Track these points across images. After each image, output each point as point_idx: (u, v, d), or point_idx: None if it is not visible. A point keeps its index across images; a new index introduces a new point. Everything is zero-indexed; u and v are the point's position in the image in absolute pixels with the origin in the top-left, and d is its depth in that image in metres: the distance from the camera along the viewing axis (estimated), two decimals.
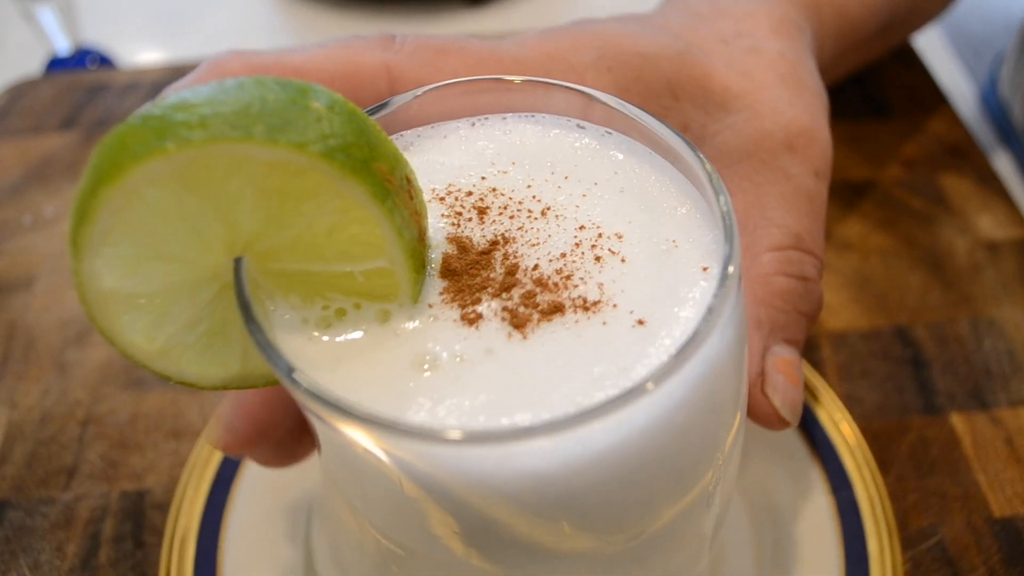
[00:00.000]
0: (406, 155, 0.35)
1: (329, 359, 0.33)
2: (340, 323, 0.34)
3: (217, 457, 0.56)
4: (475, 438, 0.29)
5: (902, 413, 0.62)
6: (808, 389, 0.60)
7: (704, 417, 0.34)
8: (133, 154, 0.28)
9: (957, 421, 0.62)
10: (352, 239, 0.32)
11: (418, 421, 0.30)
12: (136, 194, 0.29)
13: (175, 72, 0.91)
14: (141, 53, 1.07)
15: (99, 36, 1.08)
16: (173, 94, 0.30)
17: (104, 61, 1.02)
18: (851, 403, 0.62)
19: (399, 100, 0.39)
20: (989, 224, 0.76)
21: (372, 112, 0.38)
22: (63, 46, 1.03)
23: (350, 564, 0.48)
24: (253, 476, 0.55)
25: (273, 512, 0.54)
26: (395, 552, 0.38)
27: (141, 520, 0.56)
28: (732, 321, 0.33)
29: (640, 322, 0.33)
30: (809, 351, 0.66)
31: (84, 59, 1.02)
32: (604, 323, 0.33)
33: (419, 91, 0.39)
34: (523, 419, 0.30)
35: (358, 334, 0.34)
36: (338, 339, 0.33)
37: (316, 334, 0.34)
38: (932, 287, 0.71)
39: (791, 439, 0.57)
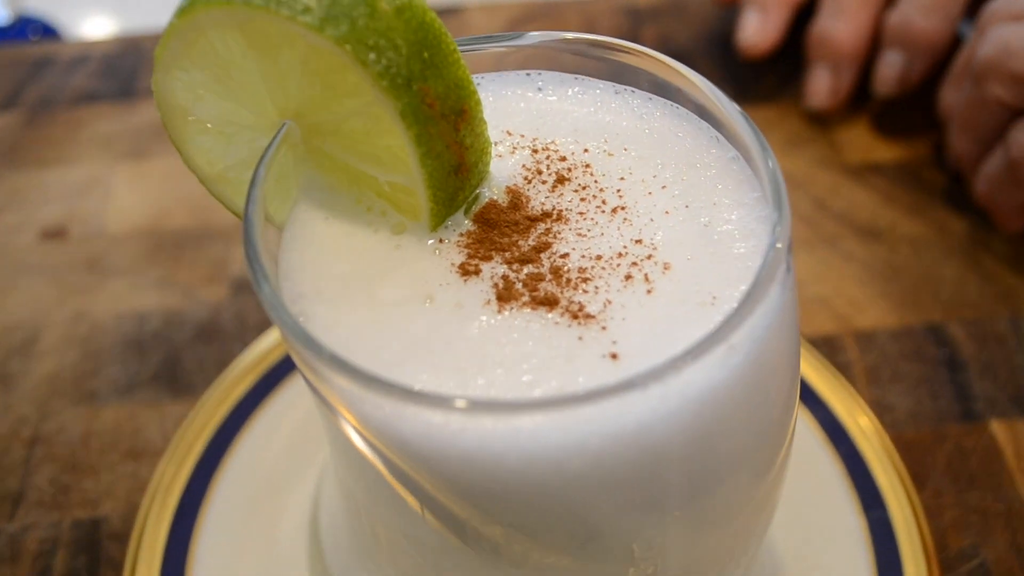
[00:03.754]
0: (536, 96, 0.40)
1: (326, 244, 0.37)
2: (361, 217, 0.38)
3: (182, 480, 0.56)
4: (344, 369, 0.31)
5: (937, 421, 0.62)
6: (834, 395, 0.60)
7: (612, 485, 0.33)
8: None
9: (998, 429, 0.62)
10: (385, 148, 0.35)
11: (333, 329, 0.33)
12: (203, 32, 0.35)
13: (129, 44, 0.90)
14: (88, 22, 1.05)
15: (41, 3, 1.06)
16: None
17: (48, 31, 1.00)
18: (881, 410, 0.62)
19: (540, 37, 0.40)
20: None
21: (507, 38, 0.40)
22: (1, 15, 1.01)
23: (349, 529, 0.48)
24: (223, 501, 0.55)
25: (245, 543, 0.53)
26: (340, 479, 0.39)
27: (96, 552, 0.55)
28: (698, 395, 0.32)
29: (612, 356, 0.33)
30: (834, 353, 0.65)
31: (25, 30, 1.00)
32: (580, 338, 0.33)
33: (569, 35, 0.40)
34: (423, 382, 0.32)
35: (369, 233, 0.37)
36: (350, 229, 0.37)
37: (335, 217, 0.37)
38: (968, 280, 0.70)
39: (816, 451, 0.57)
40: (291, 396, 0.59)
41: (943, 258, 0.72)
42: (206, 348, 0.65)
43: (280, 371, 0.60)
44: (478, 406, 0.29)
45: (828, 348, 0.66)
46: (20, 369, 0.65)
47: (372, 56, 0.33)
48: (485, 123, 0.37)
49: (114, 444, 0.61)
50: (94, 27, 0.99)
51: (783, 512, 0.52)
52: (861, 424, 0.58)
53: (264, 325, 0.66)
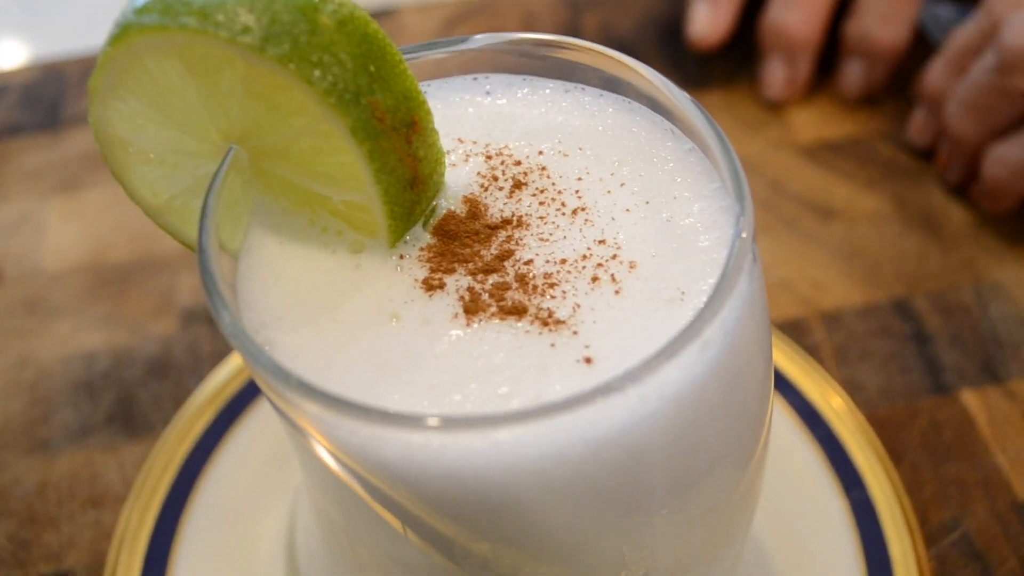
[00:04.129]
0: (484, 100, 0.39)
1: (284, 268, 0.37)
2: (317, 239, 0.37)
3: (148, 524, 0.55)
4: (313, 395, 0.31)
5: (909, 396, 0.63)
6: (806, 378, 0.61)
7: (600, 487, 0.33)
8: (136, 22, 0.33)
9: (970, 399, 0.63)
10: (337, 165, 0.35)
11: (300, 357, 0.33)
12: (139, 60, 0.34)
13: (49, 71, 0.88)
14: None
15: None
16: None
17: None
18: (853, 390, 0.63)
19: (486, 40, 0.40)
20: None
21: (453, 43, 0.40)
22: None
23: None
24: (193, 541, 0.54)
25: None
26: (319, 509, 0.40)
27: None
28: (662, 396, 0.32)
29: (587, 360, 0.33)
30: (801, 335, 0.66)
31: None
32: (552, 345, 0.34)
33: (515, 36, 0.40)
34: (396, 402, 0.32)
35: (326, 255, 0.37)
36: (305, 252, 0.37)
37: (290, 240, 0.37)
38: (929, 251, 0.72)
39: (792, 436, 0.58)
40: (255, 425, 0.59)
41: (902, 232, 0.73)
42: (160, 384, 0.64)
43: (241, 401, 0.60)
44: (457, 422, 0.29)
45: (795, 331, 0.67)
46: None
47: (317, 73, 0.33)
48: (437, 133, 0.37)
49: (72, 493, 0.60)
50: (7, 55, 0.96)
51: (764, 501, 0.53)
52: (834, 405, 0.59)
53: (219, 356, 0.65)
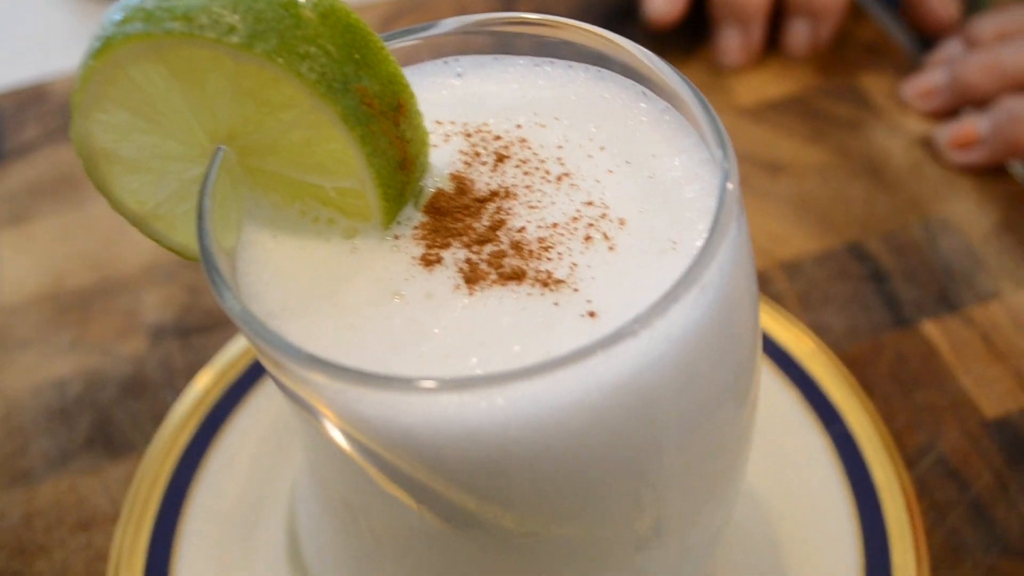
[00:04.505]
0: (456, 82, 0.40)
1: (282, 260, 0.38)
2: (309, 229, 0.39)
3: (143, 540, 0.56)
4: (335, 373, 0.32)
5: (873, 333, 0.67)
6: (776, 325, 0.64)
7: (617, 431, 0.35)
8: (120, 32, 0.34)
9: (930, 329, 0.67)
10: (328, 154, 0.37)
11: (311, 342, 0.34)
12: (123, 69, 0.35)
13: None
14: None
15: None
16: None
17: None
18: (820, 332, 0.66)
19: (454, 23, 0.42)
20: (918, 119, 0.81)
21: (424, 29, 0.42)
22: None
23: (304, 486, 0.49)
24: (191, 557, 0.55)
25: None
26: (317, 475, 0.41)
27: None
28: (669, 337, 0.34)
29: (591, 314, 0.35)
30: (765, 285, 0.69)
31: None
32: (556, 304, 0.36)
33: (483, 16, 0.42)
34: (421, 368, 0.34)
35: (321, 243, 0.38)
36: (300, 243, 0.38)
37: (284, 233, 0.39)
38: (876, 195, 0.75)
39: (769, 382, 0.61)
40: (241, 429, 0.60)
41: (849, 180, 0.77)
42: (136, 403, 0.65)
43: (223, 409, 0.61)
44: (477, 381, 0.31)
45: (759, 282, 0.69)
46: None
47: (305, 65, 0.34)
48: (421, 115, 0.38)
49: (60, 519, 0.60)
50: None
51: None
52: (805, 348, 0.62)
53: (193, 368, 0.66)
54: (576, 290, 0.36)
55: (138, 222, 0.41)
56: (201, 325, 0.69)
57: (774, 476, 0.56)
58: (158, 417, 0.64)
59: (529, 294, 0.36)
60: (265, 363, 0.37)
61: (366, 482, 0.38)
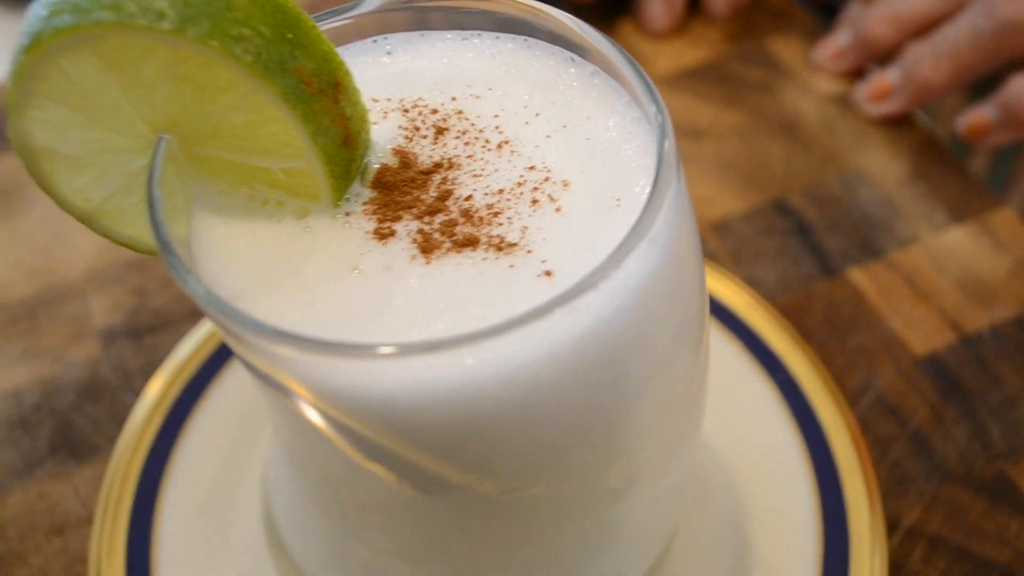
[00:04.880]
0: (386, 60, 0.40)
1: (235, 244, 0.37)
2: (259, 212, 0.38)
3: (121, 538, 0.54)
4: (305, 345, 0.31)
5: (804, 283, 0.68)
6: (713, 281, 0.64)
7: (584, 383, 0.35)
8: (49, 26, 0.33)
9: (857, 276, 0.68)
10: (271, 136, 0.35)
11: (276, 321, 0.33)
12: (54, 64, 0.34)
13: None
14: None
15: None
16: None
17: None
18: (755, 286, 0.67)
19: (379, 1, 0.41)
20: (827, 79, 0.82)
21: (350, 8, 0.41)
22: None
23: (276, 464, 0.49)
24: (171, 549, 0.54)
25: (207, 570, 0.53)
26: (286, 447, 0.41)
27: None
28: (627, 288, 0.34)
29: (547, 273, 0.35)
30: None
31: None
32: (511, 266, 0.35)
33: None
34: (387, 338, 0.33)
35: (273, 224, 0.37)
36: (251, 226, 0.37)
37: (234, 218, 0.38)
38: (794, 153, 0.76)
39: (712, 334, 0.61)
40: (206, 421, 0.58)
41: (767, 140, 0.78)
42: (95, 406, 0.63)
43: (185, 403, 0.59)
44: (450, 342, 0.30)
45: None
46: None
47: (240, 47, 0.33)
48: (359, 92, 0.37)
49: (32, 526, 0.58)
50: None
51: None
52: (743, 301, 0.63)
53: (149, 368, 0.64)
54: (530, 252, 0.35)
55: (86, 219, 0.40)
56: (151, 325, 0.67)
57: (726, 424, 0.57)
58: (119, 418, 0.62)
59: (484, 259, 0.35)
60: (233, 345, 0.36)
61: (341, 456, 0.37)
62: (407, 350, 0.31)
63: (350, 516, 0.42)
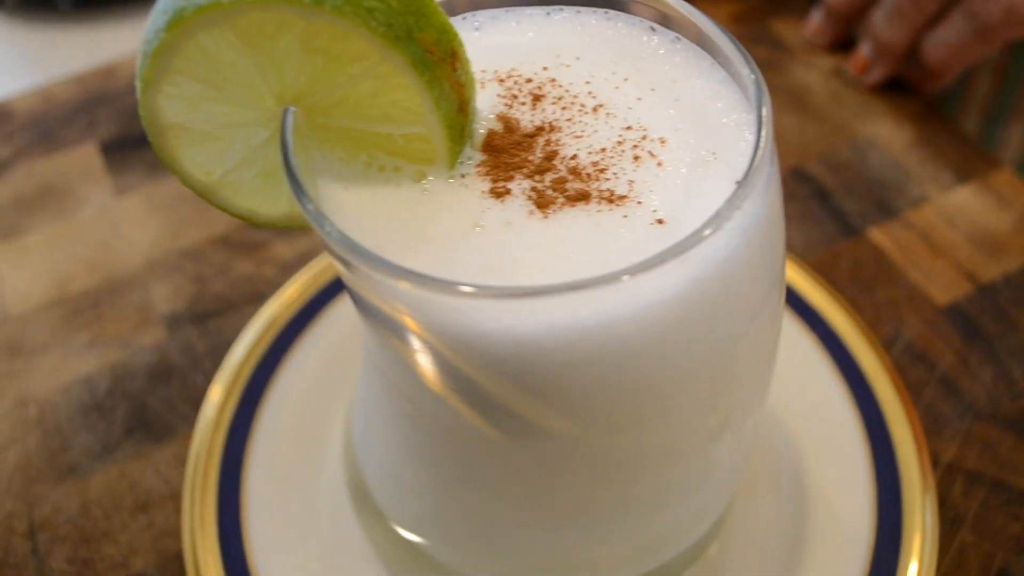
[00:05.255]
0: (476, 35, 0.40)
1: (360, 207, 0.37)
2: (378, 177, 0.38)
3: (211, 509, 0.54)
4: (463, 292, 0.32)
5: (829, 243, 0.69)
6: None
7: (704, 321, 0.36)
8: (191, 3, 0.33)
9: (876, 235, 0.70)
10: (394, 103, 0.36)
11: (419, 268, 0.33)
12: (193, 40, 0.34)
13: None
14: None
15: None
16: None
17: None
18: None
19: None
20: (827, 54, 0.84)
21: None
22: None
23: (373, 427, 0.49)
24: (259, 520, 0.54)
25: (302, 549, 0.53)
26: (405, 408, 0.42)
27: None
28: (749, 228, 0.35)
29: (659, 221, 0.36)
30: None
31: None
32: (625, 216, 0.36)
33: None
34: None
35: (392, 188, 0.38)
36: (373, 190, 0.38)
37: (355, 184, 0.38)
38: (806, 124, 0.78)
39: None
40: (284, 393, 0.59)
41: (780, 113, 0.79)
42: (168, 388, 0.63)
43: (260, 379, 0.60)
44: (594, 282, 0.31)
45: None
46: None
47: (373, 18, 0.34)
48: (469, 61, 0.38)
49: (117, 505, 0.58)
50: None
51: None
52: None
53: (215, 350, 0.64)
54: (639, 203, 0.36)
55: (206, 192, 0.40)
56: (214, 310, 0.67)
57: (777, 376, 0.58)
58: (192, 399, 0.62)
59: (599, 211, 0.36)
60: (364, 293, 0.36)
61: (463, 404, 0.38)
62: (550, 291, 0.31)
63: (462, 467, 0.43)
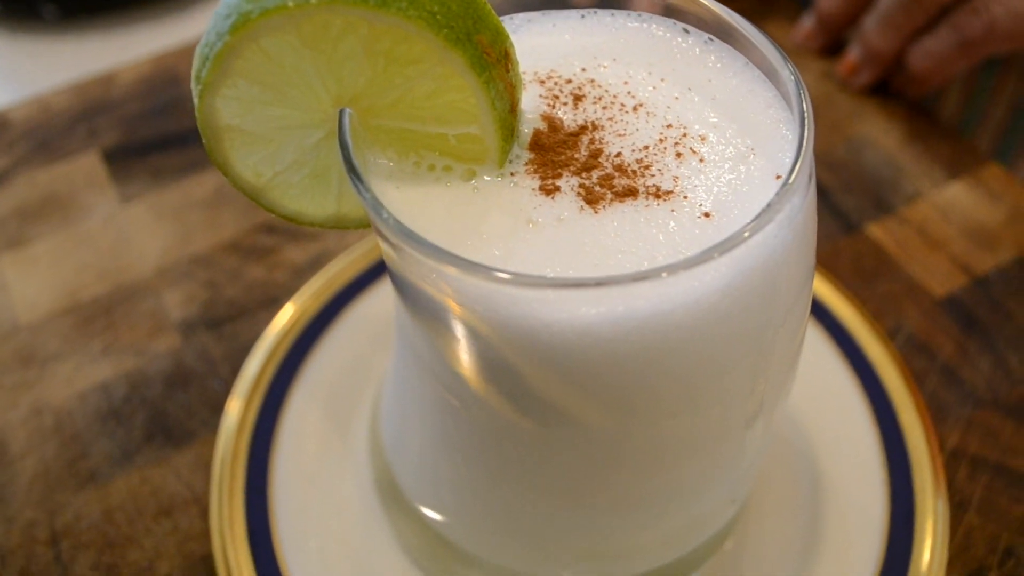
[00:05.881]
0: (514, 38, 0.40)
1: (413, 206, 0.39)
2: (428, 176, 0.39)
3: (240, 511, 0.55)
4: (529, 283, 0.34)
5: (831, 240, 0.72)
6: None
7: (751, 309, 0.37)
8: (259, 8, 0.34)
9: (874, 230, 0.72)
10: (448, 104, 0.37)
11: (483, 260, 0.35)
12: (256, 43, 0.35)
13: None
14: None
15: None
16: None
17: None
18: None
19: None
20: (818, 58, 0.87)
21: None
22: None
23: (409, 423, 0.50)
24: (287, 521, 0.55)
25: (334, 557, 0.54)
26: (451, 404, 0.43)
27: None
28: (791, 222, 0.37)
29: (706, 215, 0.38)
30: None
31: None
32: (672, 210, 0.38)
33: None
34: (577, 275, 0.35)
35: (443, 187, 0.39)
36: (424, 189, 0.39)
37: (406, 183, 0.39)
38: None
39: None
40: (306, 395, 0.60)
41: None
42: (185, 394, 0.64)
43: (282, 380, 0.60)
44: (654, 272, 0.33)
45: None
46: (2, 481, 0.60)
47: (436, 20, 0.35)
48: (518, 63, 0.40)
49: (140, 510, 0.58)
50: None
51: None
52: None
53: (232, 354, 0.65)
54: (686, 197, 0.38)
55: (255, 194, 0.41)
56: (228, 315, 0.68)
57: None
58: (210, 404, 0.63)
59: (647, 205, 0.38)
60: (421, 286, 0.37)
61: (515, 397, 0.39)
62: (615, 281, 0.33)
63: (506, 460, 0.44)
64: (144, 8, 1.03)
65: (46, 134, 0.82)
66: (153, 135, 0.81)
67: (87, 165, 0.79)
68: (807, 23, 0.86)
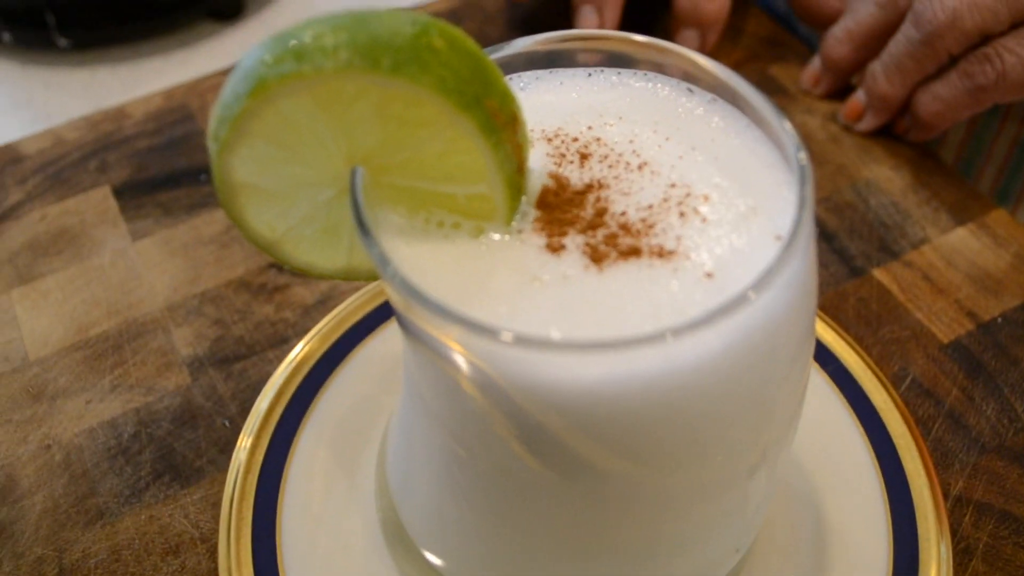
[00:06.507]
0: (522, 95, 0.43)
1: (422, 262, 0.40)
2: (437, 233, 0.41)
3: (247, 552, 0.56)
4: (536, 344, 0.35)
5: (835, 284, 0.73)
6: None
7: (754, 367, 0.38)
8: (276, 73, 0.36)
9: (880, 275, 0.73)
10: (458, 165, 0.39)
11: (490, 321, 0.36)
12: (273, 105, 0.37)
13: None
14: None
15: None
16: (315, 21, 0.36)
17: None
18: None
19: (520, 43, 0.45)
20: (826, 100, 0.88)
21: (493, 51, 0.44)
22: None
23: (415, 467, 0.51)
24: (295, 562, 0.56)
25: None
26: (457, 452, 0.44)
27: None
28: (792, 283, 0.38)
29: (708, 275, 0.39)
30: None
31: None
32: (675, 270, 0.39)
33: (540, 37, 0.45)
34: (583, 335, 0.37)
35: (451, 244, 0.41)
36: (433, 245, 0.41)
37: (416, 239, 0.41)
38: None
39: None
40: (315, 435, 0.61)
41: None
42: (194, 432, 0.65)
43: (291, 420, 0.61)
44: (658, 335, 0.34)
45: None
46: (11, 517, 0.62)
47: (446, 86, 0.36)
48: (526, 124, 0.41)
49: (147, 548, 0.60)
50: None
51: None
52: None
53: (241, 394, 0.66)
54: (688, 257, 0.39)
55: (269, 247, 0.43)
56: (238, 354, 0.69)
57: None
58: (219, 442, 0.64)
59: (650, 265, 0.39)
60: (429, 341, 0.38)
61: (523, 452, 0.40)
62: (621, 344, 0.34)
63: (514, 508, 0.45)
64: (156, 40, 1.05)
65: (59, 168, 0.84)
66: (163, 171, 0.83)
67: (98, 200, 0.81)
68: (815, 66, 0.88)
